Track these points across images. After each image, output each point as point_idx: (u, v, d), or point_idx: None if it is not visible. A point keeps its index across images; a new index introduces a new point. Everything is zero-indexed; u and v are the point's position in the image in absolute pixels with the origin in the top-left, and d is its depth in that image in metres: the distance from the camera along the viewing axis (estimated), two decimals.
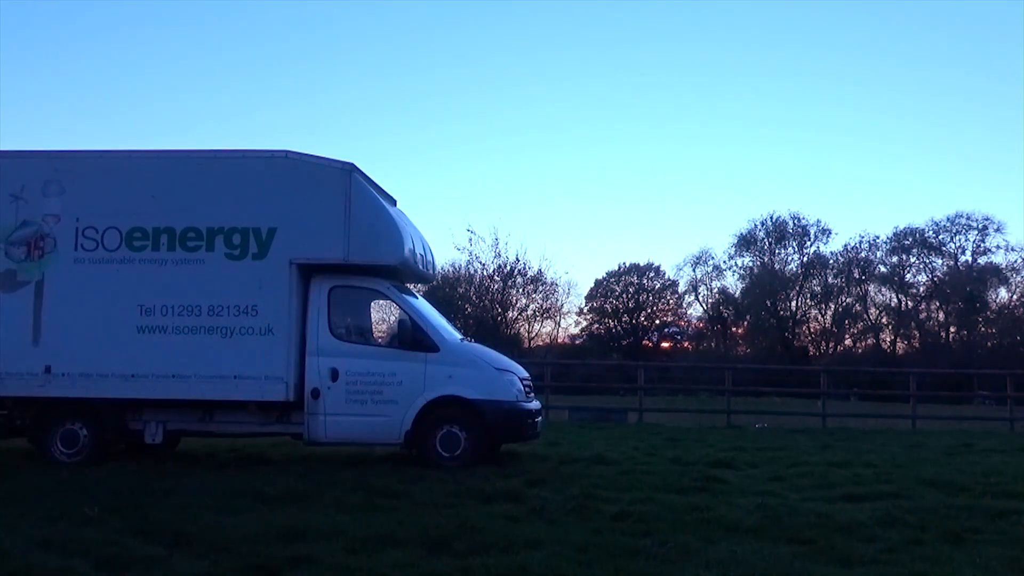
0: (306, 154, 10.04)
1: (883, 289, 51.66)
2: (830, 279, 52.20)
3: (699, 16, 68.65)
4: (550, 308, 48.96)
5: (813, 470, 9.90)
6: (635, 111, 72.61)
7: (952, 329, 49.74)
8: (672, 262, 73.55)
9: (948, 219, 50.04)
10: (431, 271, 11.90)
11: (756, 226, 53.65)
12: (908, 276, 51.34)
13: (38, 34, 68.80)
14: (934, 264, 51.11)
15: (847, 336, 52.73)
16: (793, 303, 52.73)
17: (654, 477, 9.11)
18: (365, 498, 7.51)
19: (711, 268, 54.77)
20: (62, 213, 9.96)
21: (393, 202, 11.24)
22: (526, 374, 10.62)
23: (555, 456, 11.00)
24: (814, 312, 53.03)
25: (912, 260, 51.15)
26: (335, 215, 9.80)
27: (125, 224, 9.90)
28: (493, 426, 9.84)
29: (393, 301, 10.27)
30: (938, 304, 50.26)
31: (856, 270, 51.66)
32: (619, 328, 54.77)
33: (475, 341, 11.52)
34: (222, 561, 5.29)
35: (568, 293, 50.77)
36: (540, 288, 47.99)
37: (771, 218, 53.37)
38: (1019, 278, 49.19)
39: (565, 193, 72.99)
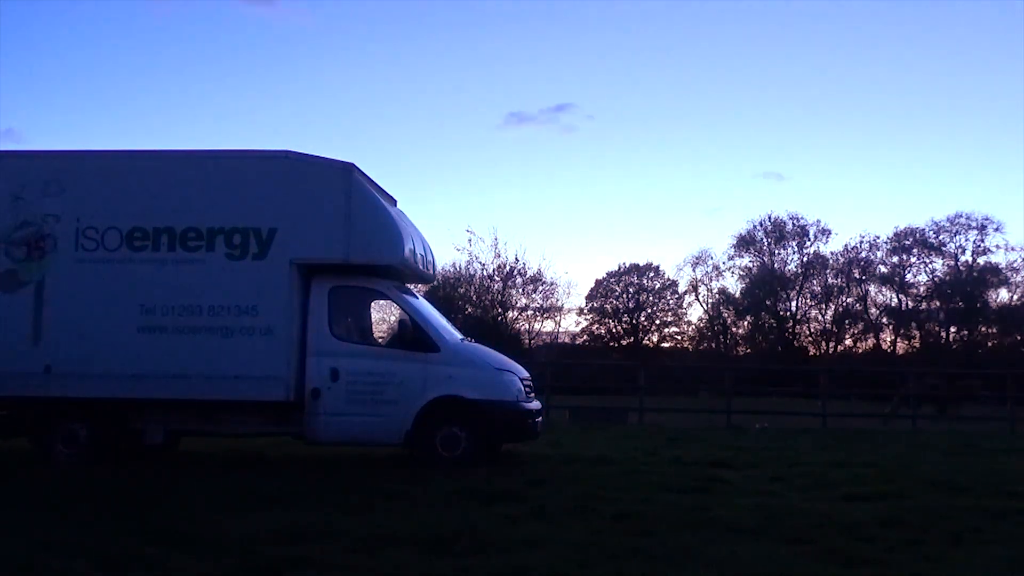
0: (306, 154, 10.04)
1: (883, 289, 51.61)
2: (830, 279, 52.13)
3: (698, 15, 68.71)
4: (550, 308, 48.92)
5: (813, 470, 9.91)
6: (634, 111, 72.62)
7: (952, 329, 49.69)
8: (672, 262, 73.61)
9: (948, 219, 49.92)
10: (431, 271, 11.90)
11: (756, 226, 53.65)
12: (908, 276, 51.24)
13: (38, 34, 68.83)
14: (934, 264, 51.03)
15: (847, 336, 52.67)
16: (793, 303, 52.66)
17: (654, 477, 9.12)
18: (365, 498, 7.52)
19: (711, 268, 54.72)
20: (62, 213, 9.96)
21: (393, 202, 11.23)
22: (526, 374, 10.61)
23: (556, 456, 11.00)
24: (814, 312, 52.96)
25: (912, 260, 51.06)
26: (335, 215, 9.79)
27: (125, 224, 9.90)
28: (493, 426, 9.84)
29: (393, 301, 10.26)
30: (938, 304, 50.18)
31: (856, 270, 51.57)
32: (619, 328, 54.74)
33: (475, 341, 11.51)
34: (222, 561, 5.28)
35: (568, 293, 50.73)
36: (540, 288, 47.97)
37: (770, 218, 53.38)
38: (1019, 278, 49.17)
39: (564, 193, 72.98)
